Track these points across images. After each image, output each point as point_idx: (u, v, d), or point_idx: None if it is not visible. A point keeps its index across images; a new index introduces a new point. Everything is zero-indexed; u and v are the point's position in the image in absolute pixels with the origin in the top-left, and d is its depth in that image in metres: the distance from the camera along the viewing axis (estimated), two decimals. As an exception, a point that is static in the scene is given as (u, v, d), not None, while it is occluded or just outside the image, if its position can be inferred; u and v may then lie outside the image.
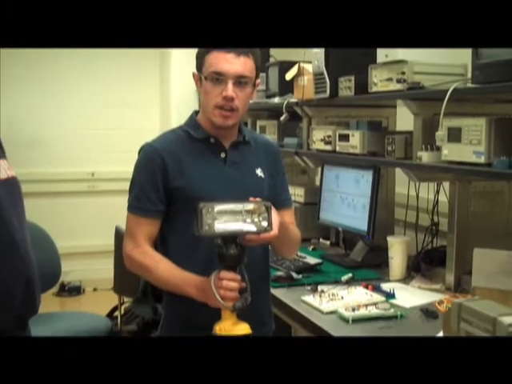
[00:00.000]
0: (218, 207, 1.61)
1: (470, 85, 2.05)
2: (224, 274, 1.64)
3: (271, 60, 4.04)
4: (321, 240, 3.37)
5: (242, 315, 1.68)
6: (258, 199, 1.69)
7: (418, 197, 2.99)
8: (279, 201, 1.97)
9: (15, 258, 1.75)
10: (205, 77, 1.84)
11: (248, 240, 1.66)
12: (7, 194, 1.77)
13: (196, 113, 1.99)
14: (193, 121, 1.97)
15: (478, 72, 1.97)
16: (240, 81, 1.82)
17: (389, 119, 3.16)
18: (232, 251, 1.63)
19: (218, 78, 1.82)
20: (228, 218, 1.61)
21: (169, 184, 1.86)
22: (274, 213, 1.69)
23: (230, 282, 1.64)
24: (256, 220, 1.64)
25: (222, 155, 1.92)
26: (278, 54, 4.09)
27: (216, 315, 1.68)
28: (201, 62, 1.86)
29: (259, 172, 1.97)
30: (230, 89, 1.81)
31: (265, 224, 1.64)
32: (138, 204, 1.88)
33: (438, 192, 2.82)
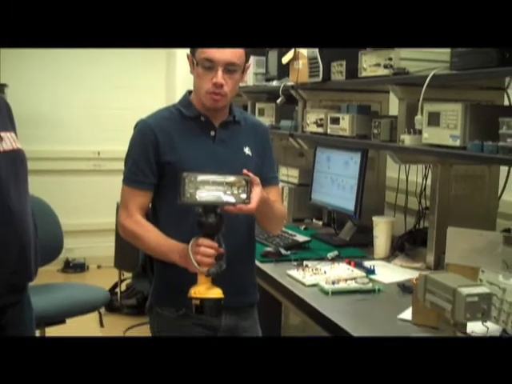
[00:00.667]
0: (201, 177, 1.74)
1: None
2: (202, 240, 1.76)
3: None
4: (314, 220, 3.48)
5: (223, 284, 1.80)
6: (246, 172, 1.80)
7: (407, 180, 3.11)
8: (266, 178, 2.07)
9: (9, 227, 1.86)
10: (197, 62, 1.95)
11: (226, 210, 1.78)
12: (8, 165, 1.89)
13: (189, 92, 2.09)
14: (186, 100, 2.08)
15: (456, 59, 2.06)
16: (229, 68, 1.93)
17: (382, 104, 3.25)
18: (211, 220, 1.75)
19: (209, 65, 1.92)
20: (209, 188, 1.74)
21: (160, 158, 1.98)
22: (256, 188, 1.80)
23: (206, 248, 1.76)
24: (236, 192, 1.76)
25: (212, 133, 2.03)
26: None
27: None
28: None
29: (247, 150, 2.08)
30: (219, 76, 1.92)
31: (243, 196, 1.76)
32: (132, 176, 2.00)
33: (425, 176, 2.92)
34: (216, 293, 1.76)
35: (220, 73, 1.91)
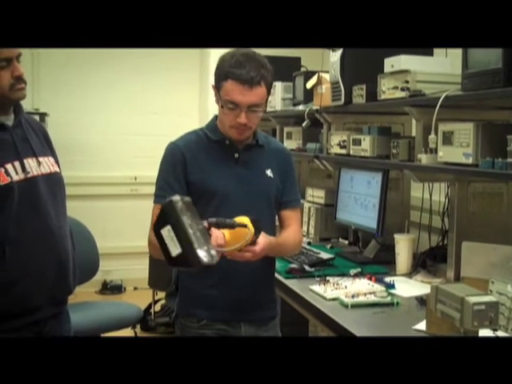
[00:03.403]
0: None
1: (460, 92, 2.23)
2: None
3: (302, 69, 4.25)
4: (340, 240, 3.56)
5: (241, 299, 1.99)
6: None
7: (430, 199, 3.17)
8: (286, 200, 2.21)
9: (49, 243, 2.03)
10: (222, 102, 2.06)
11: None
12: (47, 187, 2.06)
13: (216, 117, 2.22)
14: (212, 124, 2.21)
15: (466, 81, 2.16)
16: (252, 109, 2.05)
17: (404, 126, 3.35)
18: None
19: (233, 106, 2.04)
20: None
21: (187, 177, 2.11)
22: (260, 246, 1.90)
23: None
24: None
25: (236, 155, 2.16)
26: (309, 64, 4.33)
27: (214, 285, 2.06)
28: (219, 83, 2.07)
29: (269, 172, 2.19)
30: (243, 117, 2.04)
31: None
32: (162, 193, 2.09)
33: (447, 194, 2.99)
34: (244, 227, 1.84)
35: (243, 114, 2.03)
